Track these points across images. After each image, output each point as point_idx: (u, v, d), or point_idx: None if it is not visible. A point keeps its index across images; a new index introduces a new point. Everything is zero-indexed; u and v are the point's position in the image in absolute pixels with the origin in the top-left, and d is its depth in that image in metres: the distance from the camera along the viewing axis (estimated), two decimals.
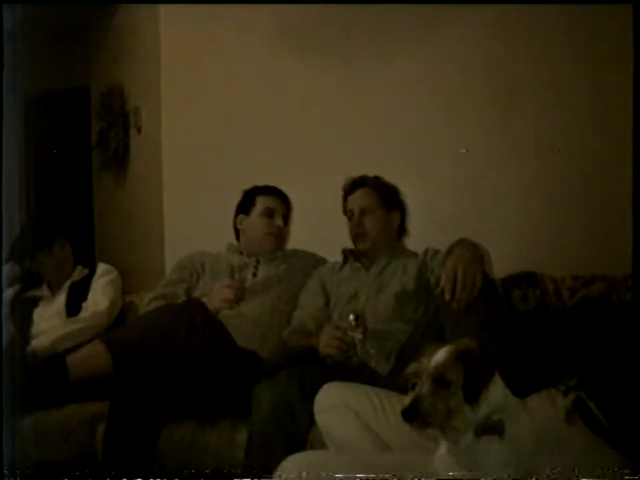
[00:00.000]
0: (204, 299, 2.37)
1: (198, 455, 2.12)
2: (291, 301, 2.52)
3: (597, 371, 1.90)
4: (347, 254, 2.51)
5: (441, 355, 1.40)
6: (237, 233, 2.69)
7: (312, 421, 1.89)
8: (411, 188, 2.61)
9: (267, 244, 2.60)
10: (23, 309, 2.71)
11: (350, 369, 2.13)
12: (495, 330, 1.94)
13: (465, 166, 2.84)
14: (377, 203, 2.45)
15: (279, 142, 3.01)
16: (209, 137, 3.12)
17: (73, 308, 2.73)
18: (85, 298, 2.74)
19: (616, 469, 1.43)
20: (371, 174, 2.50)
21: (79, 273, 2.83)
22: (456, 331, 1.88)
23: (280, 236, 2.64)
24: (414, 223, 2.60)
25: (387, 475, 1.48)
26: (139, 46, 3.50)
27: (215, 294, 2.43)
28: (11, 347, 2.25)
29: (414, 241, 2.56)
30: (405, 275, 2.35)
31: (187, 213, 3.15)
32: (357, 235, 2.44)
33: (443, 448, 1.44)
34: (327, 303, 2.43)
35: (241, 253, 2.64)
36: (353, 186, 2.48)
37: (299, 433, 1.94)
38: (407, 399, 1.39)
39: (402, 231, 2.54)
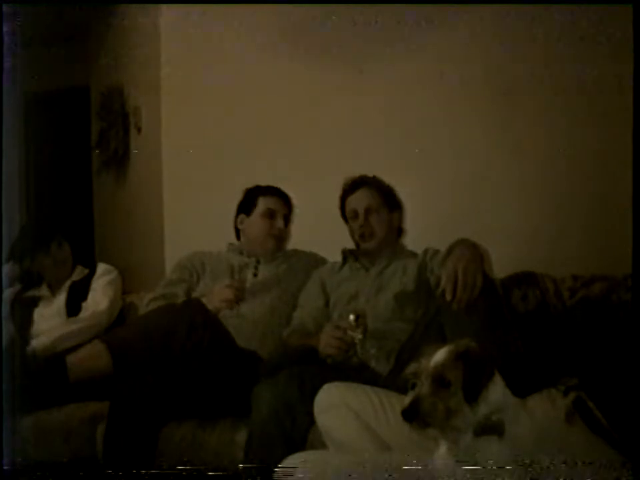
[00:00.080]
0: (204, 299, 2.37)
1: (198, 455, 2.12)
2: (291, 301, 2.52)
3: (597, 371, 1.90)
4: (346, 254, 2.51)
5: (440, 355, 1.40)
6: (238, 232, 2.69)
7: (312, 421, 1.89)
8: (411, 188, 2.61)
9: (268, 245, 2.60)
10: (23, 309, 2.71)
11: (350, 369, 2.13)
12: (495, 330, 1.94)
13: (464, 166, 2.84)
14: (380, 202, 2.45)
15: (279, 142, 3.01)
16: (209, 136, 3.12)
17: (73, 308, 2.72)
18: (85, 298, 2.73)
19: (616, 469, 1.44)
20: (371, 174, 2.50)
21: (78, 272, 2.83)
22: (456, 331, 1.88)
23: (280, 237, 2.63)
24: (414, 223, 2.61)
25: (387, 475, 1.48)
26: (139, 46, 3.50)
27: (215, 294, 2.43)
28: (10, 347, 2.25)
29: (414, 241, 2.56)
30: (404, 275, 2.35)
31: (187, 212, 3.15)
32: (362, 235, 2.43)
33: (442, 448, 1.44)
34: (327, 303, 2.43)
35: (241, 253, 2.64)
36: (353, 186, 2.48)
37: (298, 432, 1.94)
38: (407, 399, 1.39)
39: (400, 231, 2.54)
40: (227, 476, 1.91)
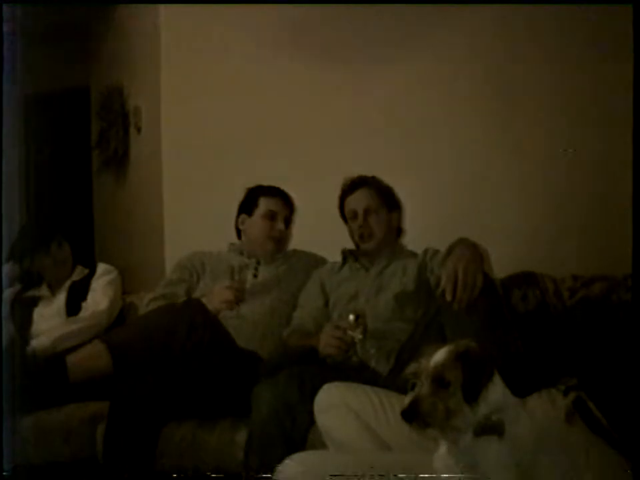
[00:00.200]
0: (204, 300, 2.37)
1: (198, 455, 2.12)
2: (291, 301, 2.52)
3: (597, 371, 1.90)
4: (346, 254, 2.51)
5: (440, 355, 1.40)
6: (239, 232, 2.69)
7: (312, 421, 1.89)
8: (411, 188, 2.61)
9: (268, 247, 2.59)
10: (23, 309, 2.71)
11: (350, 369, 2.13)
12: (495, 330, 1.94)
13: (464, 166, 2.84)
14: (379, 203, 2.45)
15: (279, 142, 3.01)
16: (209, 136, 3.12)
17: (72, 308, 2.73)
18: (84, 298, 2.73)
19: (616, 469, 1.44)
20: (370, 174, 2.50)
21: (78, 272, 2.83)
22: (456, 331, 1.88)
23: (281, 239, 2.63)
24: (414, 223, 2.61)
25: (387, 475, 1.48)
26: (139, 46, 3.50)
27: (214, 295, 2.42)
28: (11, 347, 2.25)
29: (414, 241, 2.56)
30: (404, 275, 2.35)
31: (187, 212, 3.14)
32: (361, 235, 2.43)
33: (442, 448, 1.44)
34: (327, 304, 2.43)
35: (242, 254, 2.64)
36: (352, 186, 2.48)
37: (298, 432, 1.94)
38: (407, 400, 1.39)
39: (399, 231, 2.54)
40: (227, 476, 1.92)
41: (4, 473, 1.60)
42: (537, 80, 2.80)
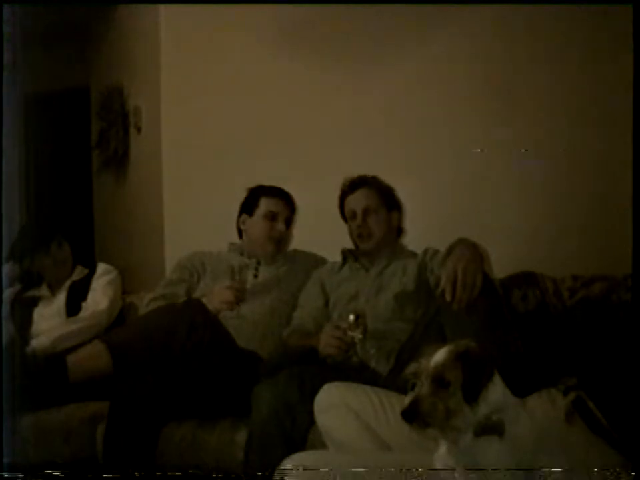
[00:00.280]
0: (204, 300, 2.37)
1: (198, 455, 2.12)
2: (291, 301, 2.52)
3: (597, 371, 1.90)
4: (346, 254, 2.51)
5: (440, 355, 1.40)
6: (240, 232, 2.68)
7: (312, 421, 1.89)
8: (411, 188, 2.61)
9: (268, 247, 2.59)
10: (23, 309, 2.71)
11: (350, 369, 2.13)
12: (495, 330, 1.94)
13: (464, 166, 2.84)
14: (379, 203, 2.45)
15: (279, 142, 3.01)
16: (209, 137, 3.12)
17: (72, 308, 2.73)
18: (84, 298, 2.74)
19: (616, 469, 1.43)
20: (370, 174, 2.50)
21: (78, 272, 2.83)
22: (456, 331, 1.88)
23: (281, 240, 2.62)
24: (414, 223, 2.61)
25: (387, 475, 1.48)
26: (139, 46, 3.50)
27: (215, 295, 2.42)
28: (11, 347, 2.25)
29: (414, 241, 2.56)
30: (404, 275, 2.35)
31: (187, 212, 3.14)
32: (360, 235, 2.43)
33: (442, 448, 1.43)
34: (327, 304, 2.43)
35: (242, 254, 2.64)
36: (352, 186, 2.48)
37: (298, 432, 1.94)
38: (407, 400, 1.39)
39: (399, 231, 2.54)
40: (227, 476, 1.91)
41: (4, 475, 1.60)
42: (536, 80, 2.80)
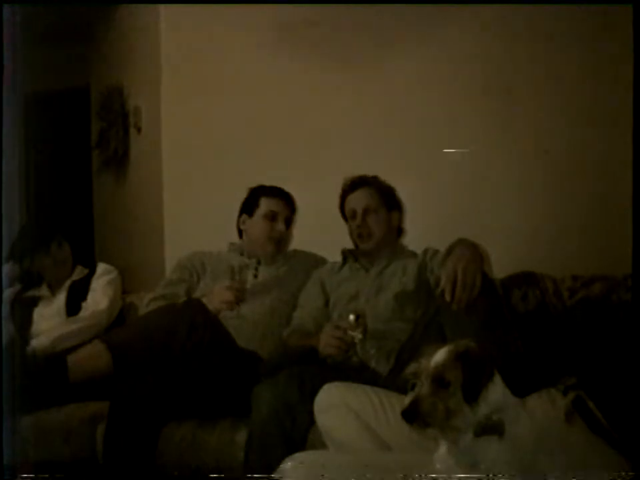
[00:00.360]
0: (204, 300, 2.37)
1: (198, 455, 2.12)
2: (291, 301, 2.52)
3: (597, 371, 1.90)
4: (346, 254, 2.51)
5: (440, 355, 1.40)
6: (240, 232, 2.68)
7: (312, 421, 1.89)
8: (411, 188, 2.61)
9: (268, 248, 2.59)
10: (23, 309, 2.71)
11: (350, 369, 2.13)
12: (495, 330, 1.94)
13: (464, 166, 2.84)
14: (379, 203, 2.45)
15: (279, 142, 3.01)
16: (209, 136, 3.12)
17: (72, 307, 2.73)
18: (84, 298, 2.74)
19: (616, 469, 1.43)
20: (370, 174, 2.50)
21: (78, 272, 2.83)
22: (456, 331, 1.88)
23: (281, 240, 2.62)
24: (414, 223, 2.61)
25: (387, 475, 1.48)
26: (139, 46, 3.50)
27: (215, 295, 2.42)
28: (11, 347, 2.25)
29: (414, 241, 2.56)
30: (404, 275, 2.35)
31: (187, 212, 3.14)
32: (360, 235, 2.43)
33: (442, 448, 1.44)
34: (327, 303, 2.43)
35: (242, 254, 2.64)
36: (352, 186, 2.48)
37: (298, 432, 1.94)
38: (407, 400, 1.39)
39: (400, 231, 2.54)
40: (227, 476, 1.91)
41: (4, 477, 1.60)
42: (537, 80, 2.80)
